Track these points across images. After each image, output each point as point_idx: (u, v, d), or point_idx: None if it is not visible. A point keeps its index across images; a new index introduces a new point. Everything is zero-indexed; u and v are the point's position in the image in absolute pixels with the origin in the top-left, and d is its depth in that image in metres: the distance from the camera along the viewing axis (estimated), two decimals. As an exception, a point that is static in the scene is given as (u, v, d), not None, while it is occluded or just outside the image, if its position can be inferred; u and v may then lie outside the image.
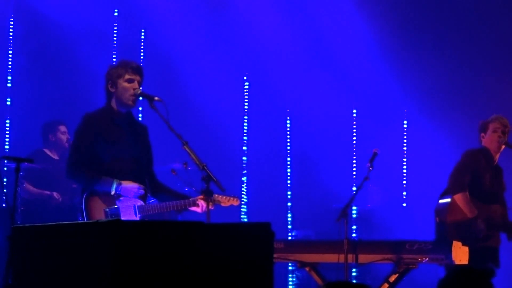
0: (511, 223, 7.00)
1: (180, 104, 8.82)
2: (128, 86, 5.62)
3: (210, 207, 5.54)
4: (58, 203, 8.20)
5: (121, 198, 5.57)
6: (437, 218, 6.97)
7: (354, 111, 10.72)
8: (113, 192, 5.49)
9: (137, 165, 5.69)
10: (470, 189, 6.92)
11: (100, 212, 5.52)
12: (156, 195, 5.80)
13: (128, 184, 5.55)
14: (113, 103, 5.69)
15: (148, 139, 5.86)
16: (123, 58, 5.88)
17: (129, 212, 5.57)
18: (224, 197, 5.85)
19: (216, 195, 5.75)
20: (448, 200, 6.92)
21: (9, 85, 9.63)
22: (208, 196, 5.42)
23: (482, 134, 7.13)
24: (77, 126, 5.73)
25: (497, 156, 7.12)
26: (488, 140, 7.08)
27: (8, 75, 9.65)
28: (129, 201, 5.60)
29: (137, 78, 5.65)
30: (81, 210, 5.56)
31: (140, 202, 5.63)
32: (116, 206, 5.56)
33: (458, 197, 6.85)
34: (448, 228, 6.82)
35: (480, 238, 6.78)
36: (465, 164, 7.00)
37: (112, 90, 5.66)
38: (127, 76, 5.62)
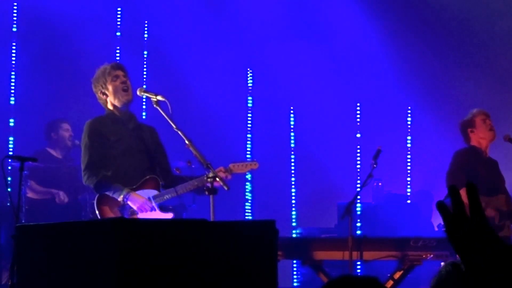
0: None
1: (183, 99, 8.80)
2: (116, 82, 5.66)
3: (229, 177, 5.50)
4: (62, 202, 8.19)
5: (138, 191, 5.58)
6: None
7: (358, 106, 10.71)
8: (120, 199, 5.48)
9: (147, 157, 5.71)
10: None
11: (112, 211, 5.50)
12: (172, 185, 5.76)
13: (136, 196, 5.51)
14: (111, 106, 5.72)
15: (158, 138, 5.86)
16: (99, 67, 5.88)
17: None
18: (241, 164, 5.73)
19: (232, 165, 5.64)
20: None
21: (12, 84, 9.61)
22: (212, 194, 5.37)
23: (470, 130, 7.02)
24: (82, 135, 5.78)
25: (487, 149, 7.05)
26: (481, 132, 7.00)
27: (12, 74, 9.63)
28: (142, 195, 5.59)
29: (119, 73, 5.71)
30: (93, 212, 5.53)
31: (153, 193, 5.62)
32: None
33: (462, 193, 6.79)
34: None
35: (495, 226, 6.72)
36: (457, 164, 6.93)
37: (105, 96, 5.72)
38: (111, 77, 5.68)
